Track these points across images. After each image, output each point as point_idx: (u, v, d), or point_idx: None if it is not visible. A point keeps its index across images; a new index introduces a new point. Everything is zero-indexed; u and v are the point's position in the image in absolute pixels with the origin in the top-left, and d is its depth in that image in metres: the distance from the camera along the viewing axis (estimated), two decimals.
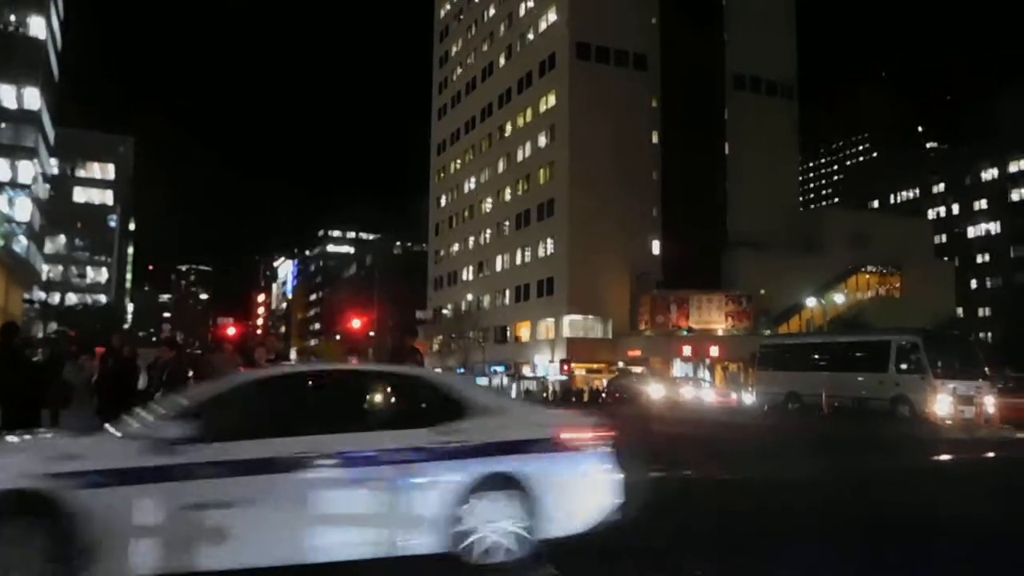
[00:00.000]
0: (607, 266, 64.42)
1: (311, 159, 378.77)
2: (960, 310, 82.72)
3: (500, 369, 73.72)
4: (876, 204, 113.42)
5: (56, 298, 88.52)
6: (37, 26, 65.13)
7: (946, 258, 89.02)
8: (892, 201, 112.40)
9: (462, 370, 70.36)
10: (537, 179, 71.37)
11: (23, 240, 63.92)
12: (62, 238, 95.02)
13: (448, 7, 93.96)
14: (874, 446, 18.25)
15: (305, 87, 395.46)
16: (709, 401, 42.45)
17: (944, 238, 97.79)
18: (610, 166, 64.24)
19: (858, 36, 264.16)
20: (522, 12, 76.38)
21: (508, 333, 75.64)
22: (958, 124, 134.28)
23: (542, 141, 71.17)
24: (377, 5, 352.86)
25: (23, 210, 64.80)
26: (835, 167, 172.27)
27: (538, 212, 70.34)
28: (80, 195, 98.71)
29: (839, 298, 65.13)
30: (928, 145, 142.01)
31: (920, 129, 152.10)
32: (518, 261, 73.93)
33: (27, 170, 65.37)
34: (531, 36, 74.48)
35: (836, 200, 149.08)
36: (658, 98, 68.42)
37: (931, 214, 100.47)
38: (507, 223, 76.37)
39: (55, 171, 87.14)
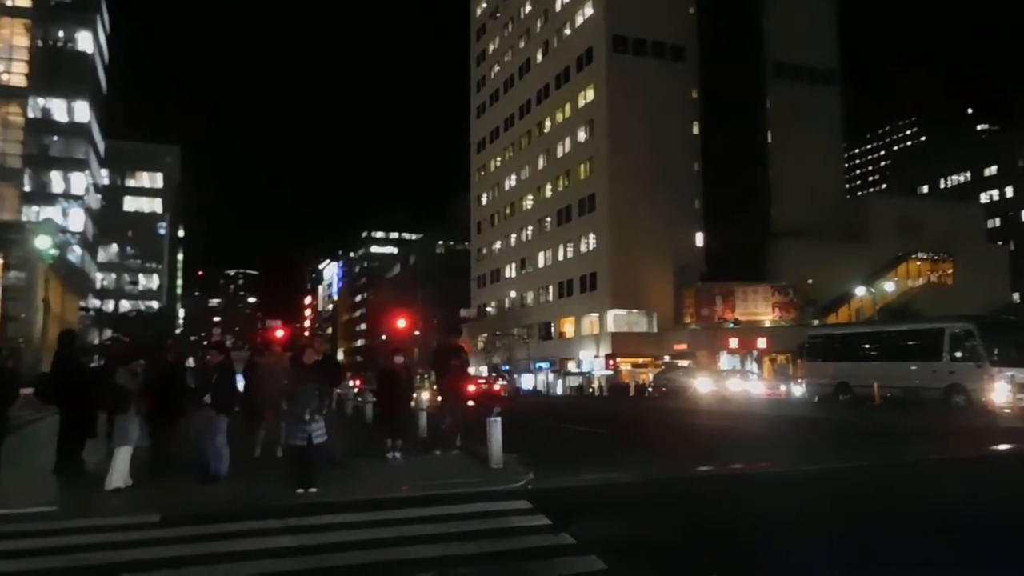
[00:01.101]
0: (650, 260, 64.06)
1: (353, 162, 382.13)
2: (1016, 296, 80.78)
3: (545, 366, 73.77)
4: (925, 189, 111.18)
5: (110, 305, 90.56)
6: (85, 41, 66.52)
7: (1000, 243, 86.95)
8: (942, 186, 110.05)
9: (507, 367, 70.58)
10: (577, 174, 71.21)
11: (77, 250, 65.39)
12: (114, 246, 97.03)
13: (484, 5, 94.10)
14: (930, 436, 17.96)
15: (345, 91, 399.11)
16: (757, 394, 42.03)
17: (998, 222, 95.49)
18: (650, 159, 63.91)
19: (904, 16, 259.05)
20: (558, 7, 76.22)
21: (552, 329, 75.58)
22: (1010, 104, 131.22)
23: (581, 136, 70.99)
24: (414, 7, 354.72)
25: (76, 220, 66.27)
26: (882, 152, 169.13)
27: (579, 207, 70.18)
28: (130, 204, 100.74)
29: (889, 286, 63.95)
30: (979, 127, 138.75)
31: (970, 111, 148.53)
32: (560, 257, 73.83)
33: (79, 181, 66.81)
34: (567, 31, 74.30)
35: (883, 186, 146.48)
36: (697, 89, 67.82)
37: (983, 198, 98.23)
38: (548, 219, 76.30)
39: (106, 181, 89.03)
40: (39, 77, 61.00)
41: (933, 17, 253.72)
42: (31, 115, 61.76)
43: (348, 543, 7.41)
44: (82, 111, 66.15)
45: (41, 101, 63.63)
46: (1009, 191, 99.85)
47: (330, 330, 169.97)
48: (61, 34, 65.54)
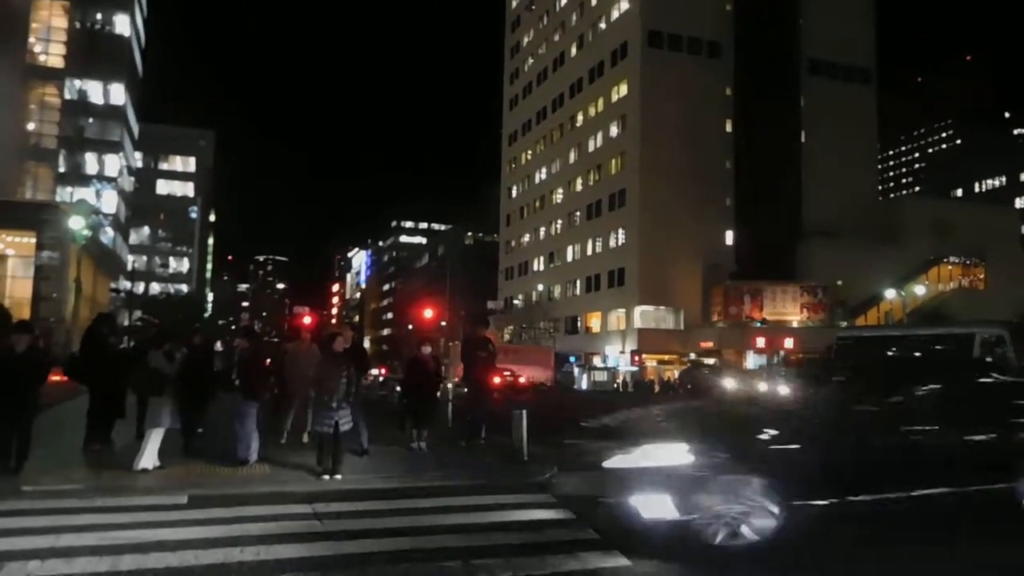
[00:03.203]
0: (679, 256, 63.78)
1: (385, 151, 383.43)
2: None
3: (571, 360, 73.63)
4: (959, 193, 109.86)
5: (140, 288, 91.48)
6: (122, 24, 67.11)
7: None
8: (976, 189, 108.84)
9: None
10: (608, 169, 70.97)
11: (109, 231, 66.09)
12: (146, 229, 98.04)
13: None
14: None
15: (379, 80, 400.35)
16: (785, 394, 41.69)
17: None
18: (682, 155, 63.56)
19: (940, 17, 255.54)
20: (594, 1, 75.90)
21: (579, 324, 75.47)
22: None
23: (614, 131, 70.72)
24: None
25: (109, 202, 66.95)
26: (916, 154, 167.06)
27: (609, 202, 69.98)
28: (163, 187, 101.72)
29: (919, 290, 63.31)
30: (1016, 131, 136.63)
31: (1007, 115, 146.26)
32: (589, 251, 73.68)
33: (113, 164, 67.46)
34: (603, 25, 73.97)
35: (917, 189, 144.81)
36: (731, 86, 67.31)
37: (1018, 202, 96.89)
38: (578, 213, 76.15)
39: (139, 164, 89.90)
40: (76, 59, 61.63)
41: (971, 18, 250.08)
42: (67, 96, 62.45)
43: (373, 530, 7.46)
44: (118, 94, 66.77)
45: (77, 83, 64.28)
46: None
47: (357, 318, 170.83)
48: (99, 17, 66.15)
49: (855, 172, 69.31)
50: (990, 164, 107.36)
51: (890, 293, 59.12)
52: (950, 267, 70.71)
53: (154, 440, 10.14)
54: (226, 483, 9.57)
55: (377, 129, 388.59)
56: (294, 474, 10.18)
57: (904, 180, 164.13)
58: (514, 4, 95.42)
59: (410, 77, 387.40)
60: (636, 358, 61.99)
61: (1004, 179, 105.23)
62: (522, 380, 50.13)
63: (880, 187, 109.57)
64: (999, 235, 72.20)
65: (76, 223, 29.75)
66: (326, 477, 9.86)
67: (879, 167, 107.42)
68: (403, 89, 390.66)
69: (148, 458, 10.05)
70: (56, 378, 11.51)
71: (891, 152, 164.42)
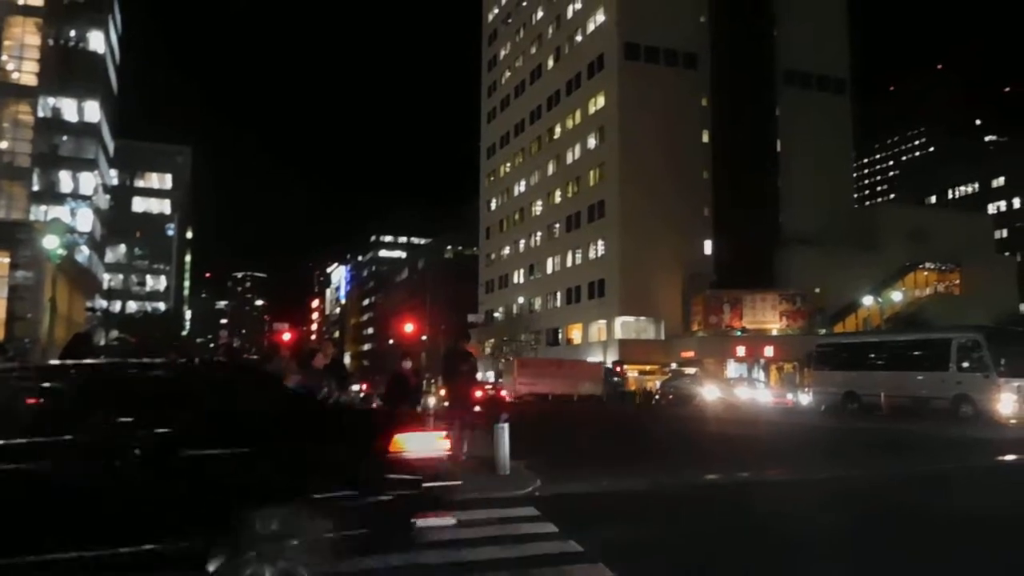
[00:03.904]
0: (659, 267, 64.03)
1: (363, 165, 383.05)
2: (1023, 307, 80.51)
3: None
4: (934, 199, 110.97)
5: (117, 306, 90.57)
6: (96, 40, 66.67)
7: (1008, 253, 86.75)
8: (950, 196, 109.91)
9: None
10: (587, 180, 71.22)
11: (85, 250, 65.42)
12: (122, 247, 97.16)
13: (496, 11, 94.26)
14: (937, 446, 17.87)
15: (357, 94, 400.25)
16: (765, 402, 41.94)
17: (1005, 233, 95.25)
18: (660, 166, 63.90)
19: (913, 27, 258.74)
20: (570, 14, 76.31)
21: (560, 335, 75.50)
22: (1018, 115, 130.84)
23: (592, 142, 71.00)
24: (425, 11, 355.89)
25: (85, 220, 66.32)
26: (891, 162, 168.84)
27: (588, 213, 70.19)
28: (139, 205, 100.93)
29: (897, 296, 63.81)
30: (987, 138, 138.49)
31: (978, 122, 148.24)
32: (569, 263, 73.82)
33: (88, 181, 66.88)
34: (579, 38, 74.37)
35: (892, 196, 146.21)
36: (708, 96, 67.82)
37: (991, 208, 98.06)
38: (557, 225, 76.32)
39: (115, 182, 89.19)
40: (50, 76, 61.10)
41: (943, 28, 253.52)
42: (41, 114, 61.85)
43: None
44: (92, 111, 66.28)
45: (51, 100, 63.74)
46: (1016, 202, 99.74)
47: (337, 333, 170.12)
48: (73, 34, 65.69)
49: (831, 180, 69.92)
50: (963, 171, 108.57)
51: (868, 300, 59.56)
52: (926, 273, 71.35)
53: None
54: None
55: (356, 144, 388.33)
56: None
57: (879, 187, 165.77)
58: (490, 17, 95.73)
59: (388, 91, 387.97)
60: (618, 369, 62.09)
61: (977, 185, 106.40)
62: (504, 393, 50.14)
63: (856, 194, 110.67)
64: (974, 241, 73.01)
65: (51, 242, 29.38)
66: None
67: (855, 175, 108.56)
68: (381, 104, 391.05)
69: None
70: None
71: (866, 160, 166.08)
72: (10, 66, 60.16)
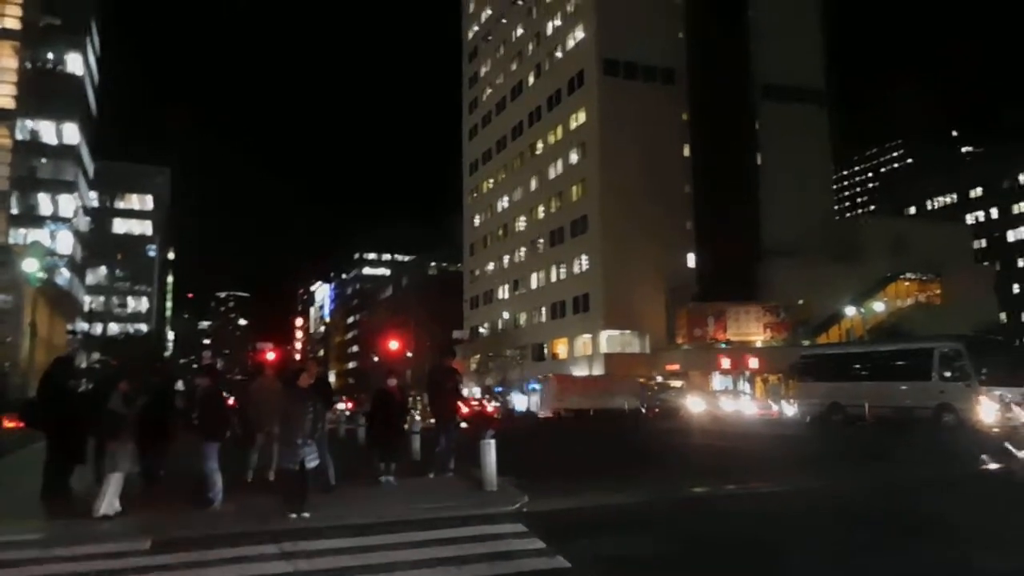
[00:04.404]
0: (642, 280, 64.19)
1: (345, 183, 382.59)
2: (1003, 315, 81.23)
3: (538, 387, 73.47)
4: (913, 210, 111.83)
5: (98, 328, 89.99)
6: (74, 63, 66.55)
7: (987, 263, 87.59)
8: (929, 207, 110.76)
9: (500, 389, 70.38)
10: (569, 196, 71.44)
11: (65, 272, 65.06)
12: (103, 269, 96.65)
13: (476, 28, 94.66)
14: (920, 456, 17.96)
15: (336, 111, 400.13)
16: (749, 413, 42.05)
17: (984, 243, 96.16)
18: (642, 180, 64.20)
19: (888, 41, 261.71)
20: (549, 31, 76.76)
21: (545, 350, 75.47)
22: (994, 126, 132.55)
23: (573, 158, 71.28)
24: (406, 28, 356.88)
25: (65, 243, 65.96)
26: (870, 174, 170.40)
27: (571, 228, 70.37)
28: (119, 226, 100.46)
29: (879, 306, 64.23)
30: (964, 149, 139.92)
31: (955, 133, 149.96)
32: (553, 278, 73.91)
33: (68, 204, 66.57)
34: (559, 54, 74.79)
35: (872, 207, 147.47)
36: (687, 111, 68.28)
37: (970, 219, 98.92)
38: (541, 240, 76.45)
39: (95, 204, 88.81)
40: (28, 99, 60.94)
41: (918, 42, 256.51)
42: (19, 137, 61.63)
43: (343, 568, 7.34)
44: (71, 133, 66.07)
45: (30, 123, 63.53)
46: (994, 212, 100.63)
47: (322, 352, 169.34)
48: (51, 56, 65.58)
49: (811, 192, 70.43)
50: (941, 182, 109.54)
51: (850, 310, 59.92)
52: (907, 283, 71.84)
53: (114, 485, 9.91)
54: (190, 526, 9.37)
55: (338, 162, 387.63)
56: (260, 513, 9.98)
57: (859, 199, 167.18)
58: (471, 35, 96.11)
59: (369, 110, 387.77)
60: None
61: (955, 196, 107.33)
62: (490, 409, 50.04)
63: (836, 206, 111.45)
64: (953, 251, 73.62)
65: (30, 265, 29.14)
66: (293, 515, 9.69)
67: (835, 187, 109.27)
68: (362, 121, 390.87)
69: (108, 504, 9.81)
70: (11, 425, 11.25)
71: (845, 172, 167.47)
72: None
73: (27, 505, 10.61)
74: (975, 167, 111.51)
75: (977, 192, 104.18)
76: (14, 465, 13.53)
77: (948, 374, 26.47)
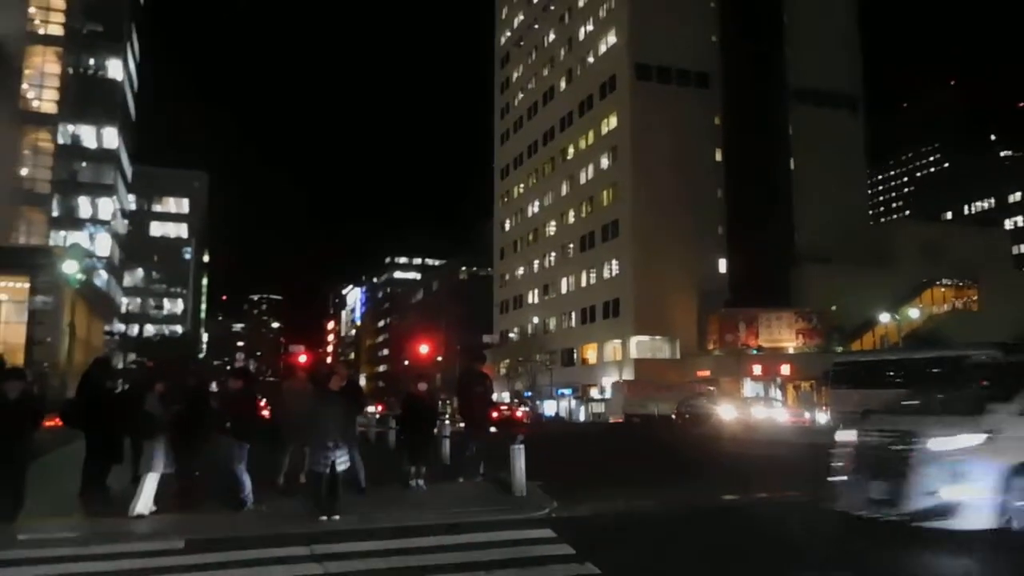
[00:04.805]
0: (673, 286, 63.90)
1: (378, 188, 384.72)
2: None
3: (567, 392, 73.41)
4: (949, 215, 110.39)
5: (135, 330, 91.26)
6: (115, 68, 67.48)
7: None
8: (966, 212, 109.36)
9: (529, 394, 70.36)
10: (600, 201, 71.31)
11: (103, 274, 65.97)
12: (140, 271, 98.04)
13: (508, 34, 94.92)
14: None
15: (370, 117, 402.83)
16: (782, 421, 41.65)
17: (1022, 248, 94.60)
18: (673, 185, 63.94)
19: (926, 44, 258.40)
20: (581, 36, 76.74)
21: (575, 355, 75.36)
22: None
23: (604, 163, 71.16)
24: (439, 35, 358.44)
25: (103, 245, 66.89)
26: (905, 179, 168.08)
27: (602, 233, 70.22)
28: (156, 229, 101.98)
29: (914, 313, 63.35)
30: (1002, 153, 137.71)
31: (993, 137, 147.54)
32: (583, 283, 73.79)
33: (106, 207, 67.52)
34: (591, 59, 74.73)
35: (907, 212, 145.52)
36: (720, 115, 67.89)
37: (1008, 224, 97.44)
38: (571, 245, 76.36)
39: (133, 207, 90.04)
40: (69, 104, 61.93)
41: (956, 44, 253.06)
42: (60, 141, 62.63)
43: (373, 571, 7.41)
44: (111, 137, 67.01)
45: (71, 127, 64.51)
46: None
47: (353, 355, 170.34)
48: (92, 62, 66.54)
49: (845, 197, 69.75)
50: (978, 187, 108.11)
51: (884, 317, 59.18)
52: (943, 289, 70.87)
53: (150, 484, 10.07)
54: (223, 526, 9.50)
55: (372, 167, 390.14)
56: (291, 515, 10.10)
57: (894, 204, 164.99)
58: (503, 40, 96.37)
59: (401, 114, 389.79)
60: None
61: (993, 201, 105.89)
62: (519, 414, 50.08)
63: (871, 211, 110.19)
64: (991, 256, 72.57)
65: (70, 267, 29.59)
66: (324, 518, 9.79)
67: (869, 192, 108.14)
68: (395, 126, 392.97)
69: (144, 503, 9.97)
70: (51, 424, 11.45)
71: (880, 176, 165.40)
72: (31, 94, 61.07)
73: (65, 503, 10.80)
74: (1014, 171, 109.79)
75: (1016, 197, 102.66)
76: (53, 464, 13.77)
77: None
